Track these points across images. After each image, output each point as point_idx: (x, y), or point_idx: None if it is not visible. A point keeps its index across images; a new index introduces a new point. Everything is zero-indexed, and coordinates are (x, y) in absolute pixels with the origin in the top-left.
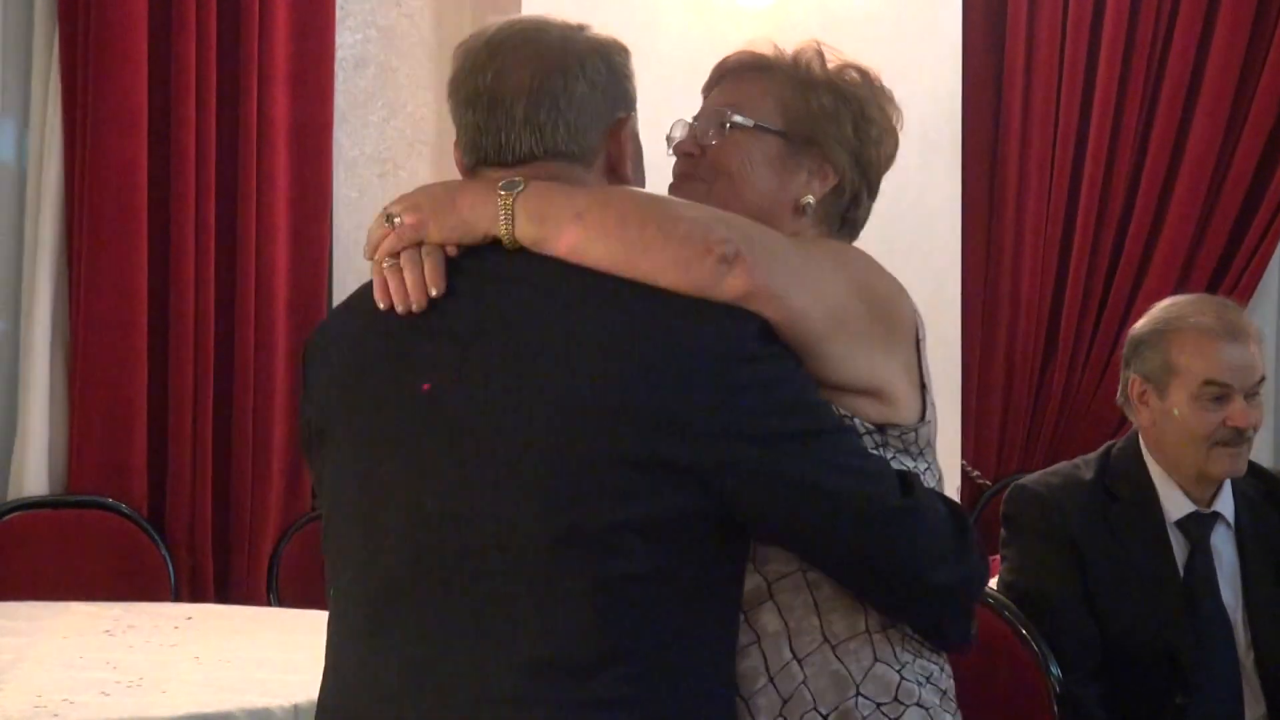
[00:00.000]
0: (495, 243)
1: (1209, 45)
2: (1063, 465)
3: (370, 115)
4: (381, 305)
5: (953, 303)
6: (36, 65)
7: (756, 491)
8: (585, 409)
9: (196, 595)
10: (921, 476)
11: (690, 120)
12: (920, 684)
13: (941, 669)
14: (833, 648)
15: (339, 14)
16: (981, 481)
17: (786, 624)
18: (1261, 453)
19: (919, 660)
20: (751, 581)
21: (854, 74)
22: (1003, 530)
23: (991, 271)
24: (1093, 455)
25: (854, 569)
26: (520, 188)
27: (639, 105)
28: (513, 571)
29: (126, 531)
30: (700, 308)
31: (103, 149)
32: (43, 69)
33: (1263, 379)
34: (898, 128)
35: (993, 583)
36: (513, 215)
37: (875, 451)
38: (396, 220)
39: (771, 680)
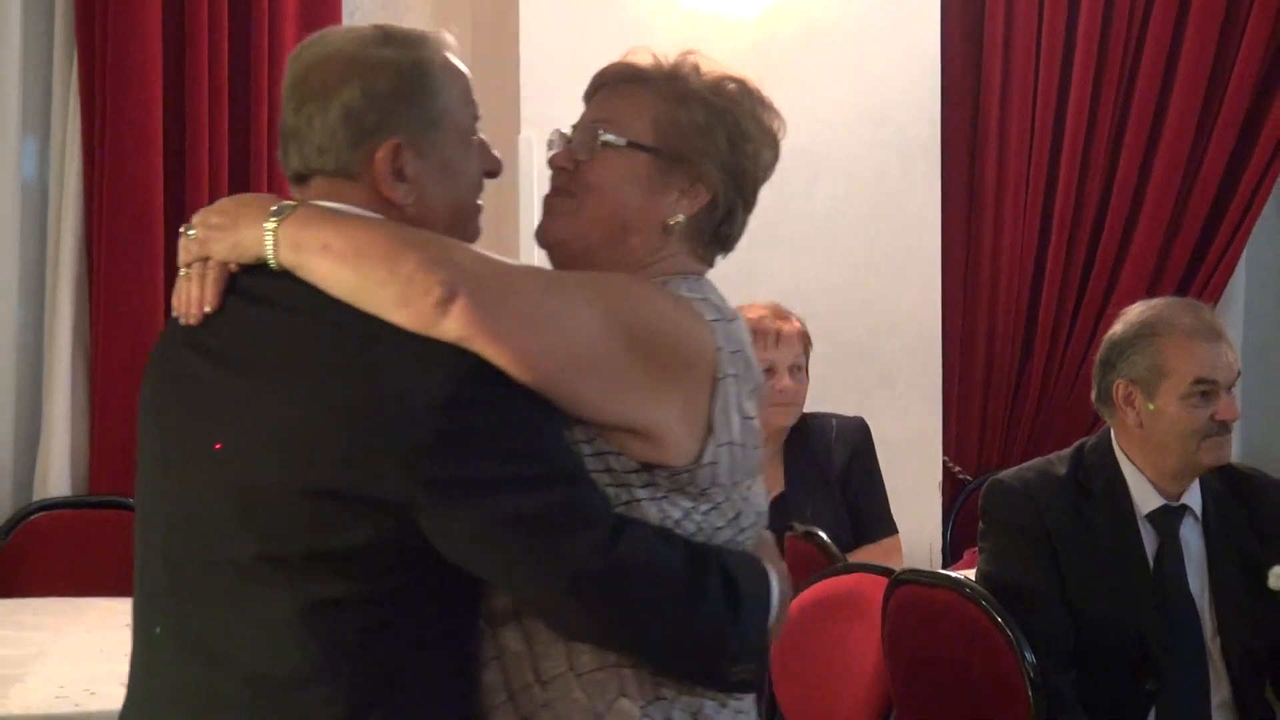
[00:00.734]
0: None
1: (1178, 59)
2: (1037, 461)
3: None
4: (176, 314)
5: (934, 306)
6: (57, 84)
7: (436, 537)
8: (289, 439)
9: None
10: (697, 516)
11: (567, 131)
12: None
13: (724, 705)
14: (577, 676)
15: None
16: (963, 476)
17: (531, 647)
18: None
19: (685, 696)
20: (501, 600)
21: (731, 86)
22: (980, 523)
23: (971, 275)
24: (1066, 452)
25: (558, 620)
26: (287, 213)
27: None
28: (234, 588)
29: None
30: (419, 349)
31: (120, 162)
32: (63, 88)
33: (1239, 373)
34: (778, 135)
35: (971, 574)
36: (276, 241)
37: (643, 490)
38: (191, 234)
39: (512, 698)
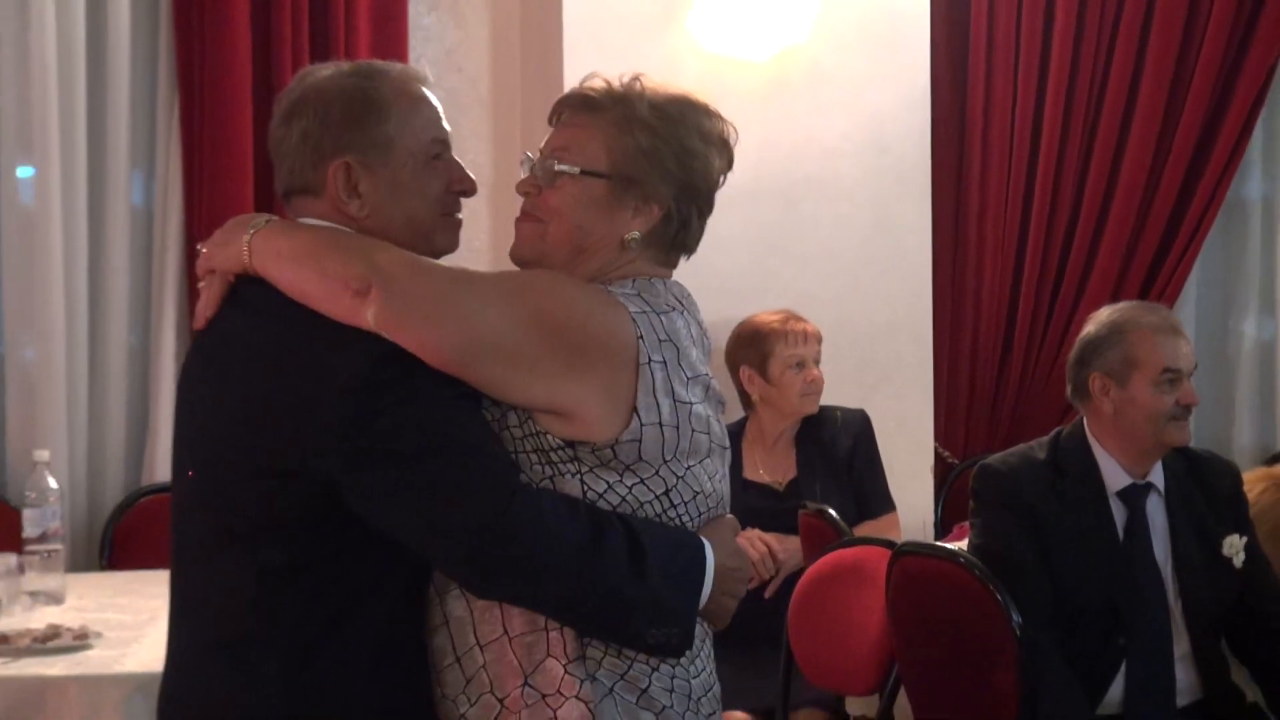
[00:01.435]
0: None
1: (1135, 103)
2: (1020, 447)
3: None
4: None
5: (924, 308)
6: (160, 122)
7: (356, 506)
8: (237, 422)
9: None
10: (621, 489)
11: (534, 156)
12: (591, 680)
13: (654, 669)
14: (510, 639)
15: None
16: (951, 460)
17: (471, 612)
18: None
19: (611, 658)
20: None
21: (674, 108)
22: (971, 502)
23: (958, 285)
24: (1045, 439)
25: (468, 581)
26: (260, 227)
27: None
28: (204, 557)
29: None
30: (342, 337)
31: (217, 193)
32: (165, 126)
33: (1196, 364)
34: (729, 139)
35: (964, 545)
36: (250, 251)
37: (568, 465)
38: (202, 249)
39: (458, 660)
